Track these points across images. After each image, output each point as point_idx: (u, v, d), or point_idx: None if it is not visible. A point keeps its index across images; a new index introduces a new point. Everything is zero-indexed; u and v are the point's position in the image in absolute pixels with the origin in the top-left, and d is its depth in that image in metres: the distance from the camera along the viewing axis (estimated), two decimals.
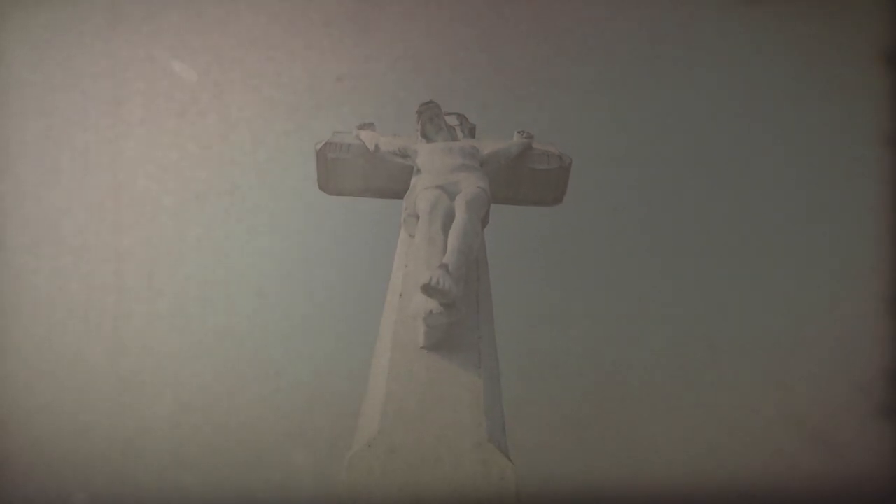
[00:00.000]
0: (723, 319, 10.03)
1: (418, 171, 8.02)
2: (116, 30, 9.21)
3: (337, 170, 8.80)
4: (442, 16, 10.48)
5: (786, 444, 8.72)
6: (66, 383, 8.50)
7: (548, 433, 8.80)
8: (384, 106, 9.70)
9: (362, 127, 8.91)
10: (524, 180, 8.81)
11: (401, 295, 6.67)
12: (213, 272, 9.88)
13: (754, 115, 10.38)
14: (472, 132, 9.14)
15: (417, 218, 7.43)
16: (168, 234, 9.75)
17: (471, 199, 7.35)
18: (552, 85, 10.95)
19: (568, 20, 10.64)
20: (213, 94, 9.87)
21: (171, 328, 9.38)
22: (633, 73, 10.71)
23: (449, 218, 7.22)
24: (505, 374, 6.28)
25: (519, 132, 8.93)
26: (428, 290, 6.12)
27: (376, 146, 8.62)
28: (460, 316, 6.21)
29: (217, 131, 9.83)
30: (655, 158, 10.86)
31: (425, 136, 8.51)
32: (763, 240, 10.32)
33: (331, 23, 10.10)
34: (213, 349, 9.30)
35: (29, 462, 7.77)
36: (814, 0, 9.32)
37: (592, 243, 10.76)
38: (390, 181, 8.58)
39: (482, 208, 7.50)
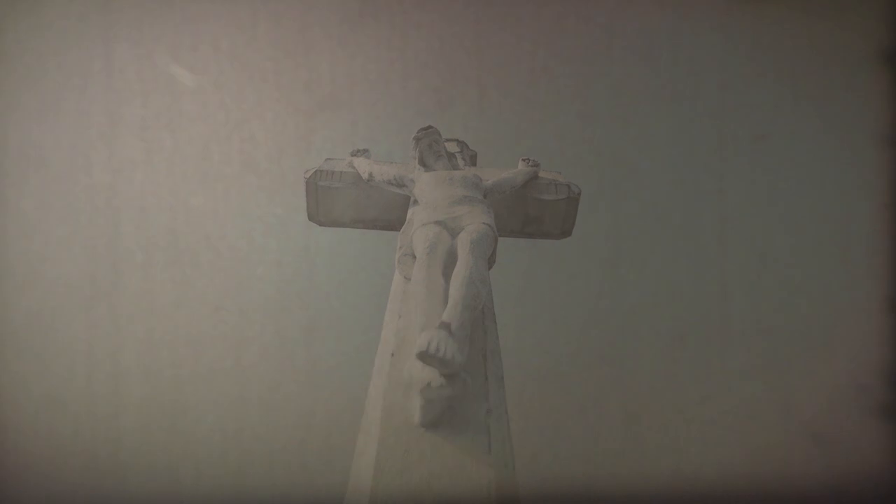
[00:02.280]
0: (722, 319, 10.03)
1: (416, 201, 7.41)
2: (115, 31, 9.21)
3: (327, 199, 8.28)
4: (444, 18, 10.47)
5: (786, 444, 8.73)
6: (66, 384, 8.50)
7: (547, 432, 8.81)
8: (383, 112, 9.62)
9: (356, 154, 8.39)
10: (530, 212, 8.23)
11: (392, 355, 5.62)
12: (211, 274, 9.86)
13: (754, 116, 10.38)
14: (473, 160, 8.63)
15: (415, 257, 6.58)
16: (167, 236, 9.73)
17: (476, 238, 6.57)
18: (555, 98, 10.84)
19: (568, 28, 10.60)
20: (212, 97, 9.87)
21: (171, 329, 9.37)
22: (630, 75, 10.70)
23: (450, 259, 6.41)
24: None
25: (524, 160, 8.33)
26: (425, 357, 5.12)
27: (370, 174, 8.05)
28: (465, 387, 5.19)
29: (215, 135, 9.81)
30: (653, 161, 10.85)
31: (423, 164, 7.84)
32: (763, 240, 10.33)
33: (330, 26, 10.09)
34: (214, 352, 9.29)
35: (28, 463, 7.78)
36: (813, 0, 9.33)
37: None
38: (385, 211, 8.14)
39: (488, 248, 6.68)
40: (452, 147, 8.46)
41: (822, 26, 9.12)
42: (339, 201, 8.29)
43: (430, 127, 7.94)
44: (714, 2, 9.81)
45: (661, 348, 9.85)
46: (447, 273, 6.19)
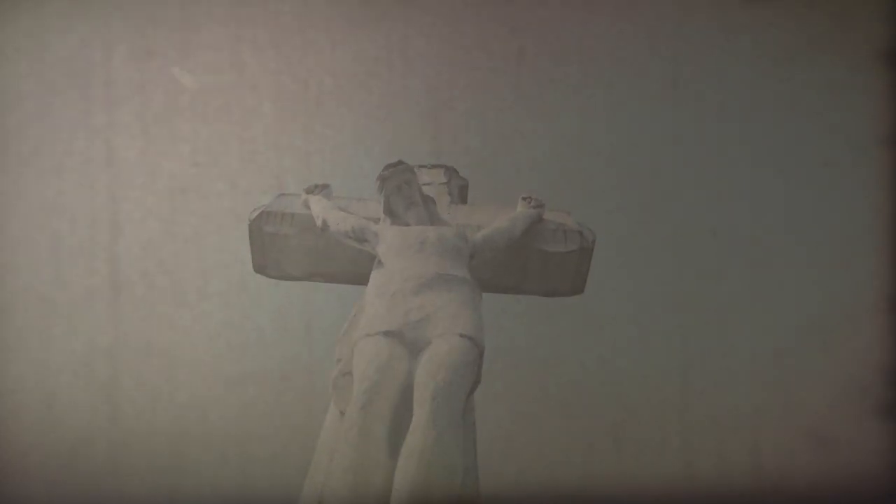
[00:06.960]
0: (722, 319, 10.03)
1: (380, 262, 5.62)
2: (116, 31, 9.21)
3: (276, 248, 6.54)
4: (443, 18, 10.45)
5: (786, 443, 8.74)
6: (65, 385, 8.51)
7: (546, 431, 8.81)
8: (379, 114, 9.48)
9: (312, 190, 6.56)
10: (533, 265, 6.51)
11: None
12: (208, 274, 9.84)
13: (753, 116, 10.39)
14: (462, 193, 7.13)
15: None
16: (163, 235, 9.70)
17: (444, 380, 4.27)
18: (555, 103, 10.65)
19: (567, 29, 10.54)
20: (212, 99, 9.85)
21: (170, 329, 9.37)
22: (632, 76, 10.68)
23: (403, 402, 4.18)
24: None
25: (524, 199, 6.57)
26: None
27: (324, 223, 6.16)
28: None
29: (214, 135, 9.79)
30: (652, 162, 10.83)
31: (390, 213, 6.04)
32: (763, 240, 10.33)
33: (329, 24, 10.08)
34: (211, 354, 9.29)
35: (27, 465, 7.79)
36: (813, 0, 9.34)
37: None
38: (348, 263, 6.34)
39: (466, 382, 4.47)
40: (438, 176, 7.05)
41: (822, 26, 9.12)
42: (291, 251, 6.61)
43: (400, 163, 6.12)
44: (714, 2, 9.82)
45: (661, 348, 9.86)
46: (396, 428, 3.99)
